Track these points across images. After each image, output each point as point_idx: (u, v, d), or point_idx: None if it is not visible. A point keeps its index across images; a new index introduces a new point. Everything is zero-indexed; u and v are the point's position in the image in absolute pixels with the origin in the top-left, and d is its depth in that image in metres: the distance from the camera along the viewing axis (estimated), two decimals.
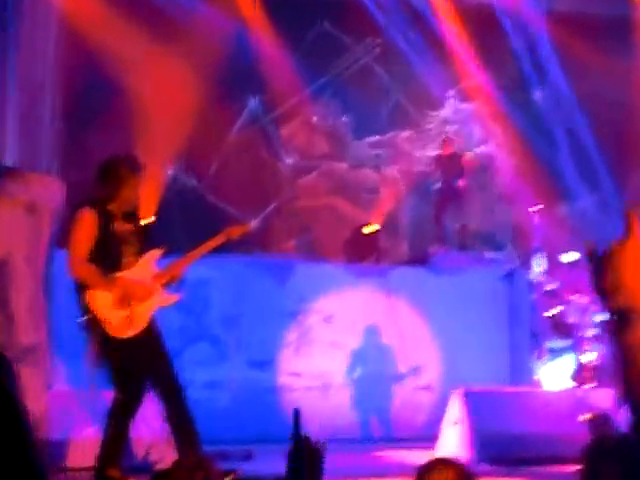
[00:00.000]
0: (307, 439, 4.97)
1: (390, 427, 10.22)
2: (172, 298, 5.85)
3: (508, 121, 14.28)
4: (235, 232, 5.97)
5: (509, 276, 10.30)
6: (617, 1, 13.37)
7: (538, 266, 9.77)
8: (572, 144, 14.24)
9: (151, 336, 5.62)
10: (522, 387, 9.29)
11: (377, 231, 13.13)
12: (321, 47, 13.79)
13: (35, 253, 6.34)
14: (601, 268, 7.18)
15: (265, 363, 9.97)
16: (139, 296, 5.53)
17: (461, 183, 12.42)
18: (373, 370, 10.30)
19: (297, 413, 5.01)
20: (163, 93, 12.09)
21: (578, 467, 4.57)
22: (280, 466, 5.10)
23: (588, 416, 7.38)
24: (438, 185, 12.81)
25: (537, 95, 14.53)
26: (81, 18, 11.48)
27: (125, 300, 5.48)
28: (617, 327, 7.11)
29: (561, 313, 9.29)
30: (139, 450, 6.39)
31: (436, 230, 12.79)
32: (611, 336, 7.36)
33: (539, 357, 9.39)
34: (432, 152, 13.89)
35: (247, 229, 6.18)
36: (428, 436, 8.16)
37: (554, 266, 9.71)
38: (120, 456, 5.57)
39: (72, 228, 5.52)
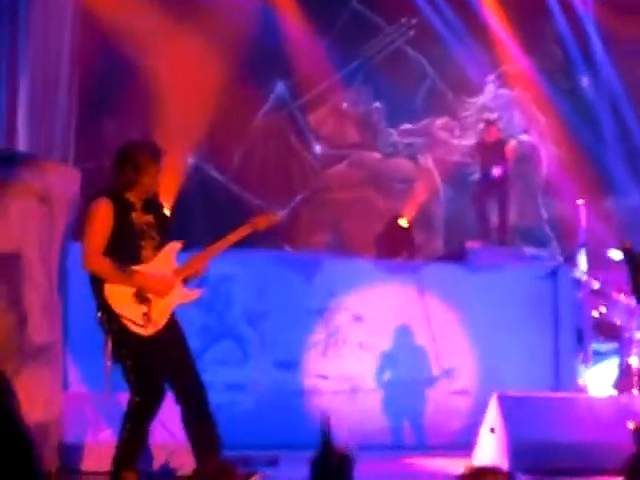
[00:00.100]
0: (336, 445, 4.95)
1: (423, 433, 10.19)
2: (193, 294, 5.78)
3: (552, 109, 14.18)
4: (262, 223, 5.82)
5: (552, 274, 10.22)
6: None
7: (583, 263, 9.71)
8: (620, 135, 14.12)
9: (171, 334, 5.58)
10: (563, 393, 9.22)
11: (411, 225, 13.09)
12: (352, 29, 13.75)
13: (49, 247, 6.32)
14: (637, 268, 7.13)
15: (291, 364, 9.96)
16: (158, 291, 5.48)
17: (502, 172, 12.25)
18: (405, 373, 10.27)
19: (326, 418, 4.99)
20: (183, 77, 12.08)
21: None
22: (306, 473, 5.09)
23: (633, 425, 7.31)
24: (477, 175, 12.71)
25: (584, 82, 14.41)
26: None
27: (143, 295, 5.46)
28: None
29: (607, 313, 9.22)
30: (159, 456, 6.38)
31: (479, 224, 12.60)
32: None
33: (584, 361, 9.32)
34: (469, 140, 13.82)
35: (275, 219, 6.00)
36: (463, 443, 8.15)
37: (600, 264, 9.64)
38: (136, 459, 5.54)
39: (87, 219, 5.48)
